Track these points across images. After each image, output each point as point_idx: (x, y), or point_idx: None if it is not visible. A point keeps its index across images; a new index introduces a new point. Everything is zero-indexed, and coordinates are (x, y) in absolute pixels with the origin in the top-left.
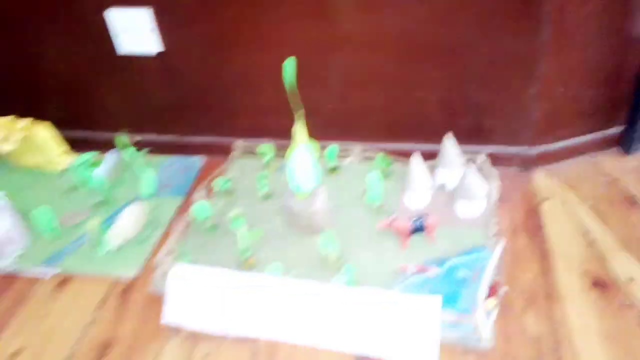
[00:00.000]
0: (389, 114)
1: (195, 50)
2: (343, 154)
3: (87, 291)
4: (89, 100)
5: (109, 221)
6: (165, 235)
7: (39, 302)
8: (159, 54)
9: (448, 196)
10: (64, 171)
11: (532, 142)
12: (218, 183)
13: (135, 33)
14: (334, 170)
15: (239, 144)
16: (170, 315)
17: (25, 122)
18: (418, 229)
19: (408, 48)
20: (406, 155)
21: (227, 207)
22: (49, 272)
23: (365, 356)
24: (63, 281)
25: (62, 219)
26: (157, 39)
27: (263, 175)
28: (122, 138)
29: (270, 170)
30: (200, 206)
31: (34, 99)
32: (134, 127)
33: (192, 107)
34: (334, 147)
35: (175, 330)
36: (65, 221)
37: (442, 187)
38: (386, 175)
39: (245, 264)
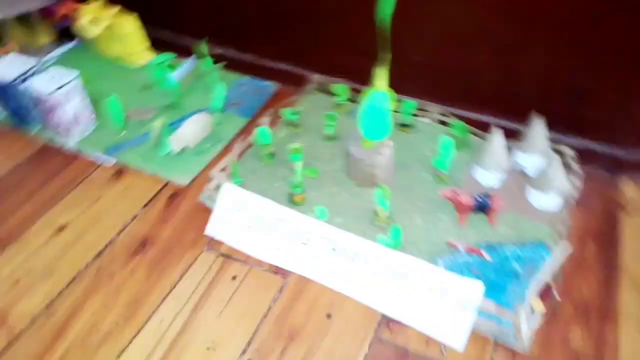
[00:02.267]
0: (478, 79)
1: None
2: (418, 112)
3: (140, 187)
4: (179, 2)
5: (173, 125)
6: (224, 152)
7: (93, 186)
8: None
9: (522, 182)
10: (143, 67)
11: (631, 146)
12: (286, 113)
13: None
14: (406, 126)
15: (315, 77)
16: (214, 228)
17: (114, 10)
18: (480, 208)
19: (519, 8)
20: (485, 127)
21: (290, 138)
22: (108, 160)
23: (392, 319)
24: (119, 172)
25: (130, 112)
26: None
27: (332, 115)
28: (203, 47)
29: (340, 111)
30: (263, 132)
31: None
32: (217, 38)
33: (276, 29)
34: (411, 102)
35: (213, 245)
36: (133, 115)
37: (518, 171)
38: (460, 144)
39: (293, 198)
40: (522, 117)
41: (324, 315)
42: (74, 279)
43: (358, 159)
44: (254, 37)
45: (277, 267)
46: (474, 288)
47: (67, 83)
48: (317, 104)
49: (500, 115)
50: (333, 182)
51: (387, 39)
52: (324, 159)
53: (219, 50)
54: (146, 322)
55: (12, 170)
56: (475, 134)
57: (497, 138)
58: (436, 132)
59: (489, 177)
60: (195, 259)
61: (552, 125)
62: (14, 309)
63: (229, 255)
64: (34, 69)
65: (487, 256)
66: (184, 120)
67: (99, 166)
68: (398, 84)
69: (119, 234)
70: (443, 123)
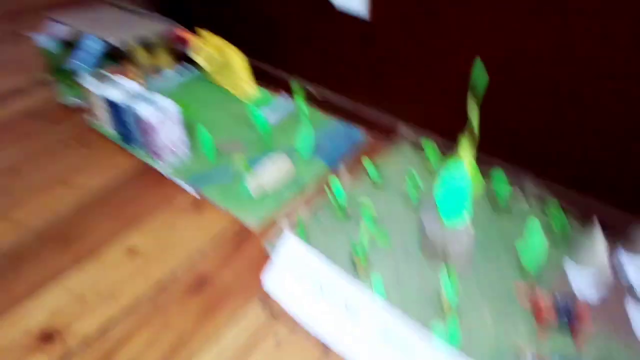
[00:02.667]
0: (587, 159)
1: (395, 23)
2: (514, 189)
3: (213, 222)
4: (289, 39)
5: (255, 162)
6: (298, 198)
7: (172, 213)
8: (370, 20)
9: (625, 293)
10: (245, 100)
11: None
12: (368, 165)
13: None
14: (496, 204)
15: (406, 131)
16: (269, 279)
17: (228, 47)
18: (562, 314)
19: None
20: (588, 215)
21: (368, 195)
22: (191, 189)
23: None
24: (198, 203)
25: (222, 143)
26: (365, 2)
27: (416, 174)
28: (299, 86)
29: (427, 172)
30: (337, 186)
31: (239, 24)
32: (316, 77)
33: (375, 76)
34: (504, 179)
35: (265, 298)
36: (223, 147)
37: (621, 278)
38: (554, 233)
39: (355, 263)
40: (636, 212)
41: None
42: (132, 306)
43: (430, 232)
44: (351, 81)
45: (320, 339)
46: None
47: (166, 111)
48: (405, 161)
49: (608, 206)
50: (402, 252)
51: (477, 109)
52: (399, 224)
53: (315, 89)
54: None
55: (107, 184)
56: (575, 223)
57: (599, 234)
58: (530, 215)
59: (583, 279)
60: (245, 309)
61: None
62: (72, 325)
63: (276, 314)
64: (144, 92)
65: None
66: (266, 159)
67: (182, 194)
68: (493, 153)
69: (183, 267)
70: (541, 204)
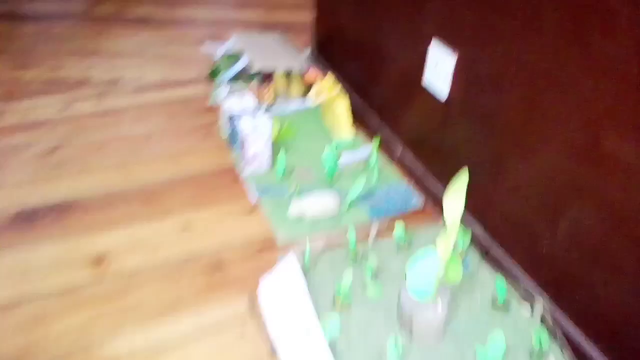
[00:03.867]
0: (603, 303)
1: (474, 114)
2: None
3: (254, 228)
4: (393, 98)
5: (306, 193)
6: (325, 236)
7: (231, 209)
8: (446, 101)
9: None
10: (338, 140)
11: None
12: (400, 228)
13: (436, 71)
14: (497, 304)
15: None
16: (262, 285)
17: (336, 89)
18: None
19: None
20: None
21: (385, 252)
22: (254, 196)
23: None
24: (253, 209)
25: (299, 169)
26: (447, 85)
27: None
28: (378, 141)
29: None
30: (352, 237)
31: (361, 75)
32: (404, 140)
33: (447, 156)
34: (502, 283)
35: (253, 302)
36: (298, 173)
37: None
38: (534, 353)
39: (337, 303)
40: None
41: None
42: (160, 264)
43: (402, 305)
44: (428, 151)
45: (275, 344)
46: None
47: (262, 129)
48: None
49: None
50: (384, 310)
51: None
52: (399, 287)
53: (399, 149)
54: (162, 325)
55: (202, 171)
56: (557, 348)
57: None
58: (526, 325)
59: None
60: (234, 299)
61: None
62: (118, 260)
63: (255, 313)
64: (255, 111)
65: None
66: (318, 192)
67: (246, 198)
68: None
69: (210, 253)
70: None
